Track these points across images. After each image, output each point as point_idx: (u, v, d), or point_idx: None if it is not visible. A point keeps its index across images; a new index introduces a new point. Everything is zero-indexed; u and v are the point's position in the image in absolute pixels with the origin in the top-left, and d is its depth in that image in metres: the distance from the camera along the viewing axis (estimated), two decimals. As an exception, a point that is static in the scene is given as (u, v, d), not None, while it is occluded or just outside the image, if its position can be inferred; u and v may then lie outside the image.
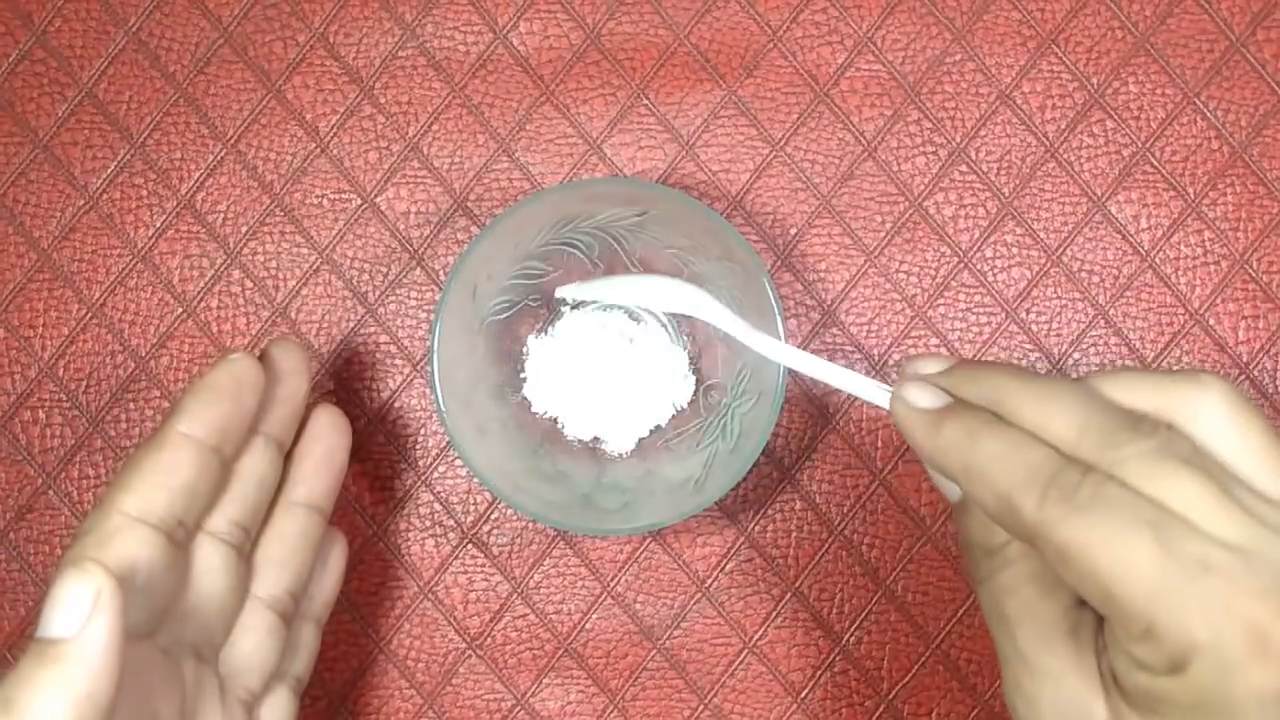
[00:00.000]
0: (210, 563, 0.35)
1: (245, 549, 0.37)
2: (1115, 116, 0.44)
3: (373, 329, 0.44)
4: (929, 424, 0.30)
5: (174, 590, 0.34)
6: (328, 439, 0.39)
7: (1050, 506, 0.26)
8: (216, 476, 0.35)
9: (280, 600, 0.37)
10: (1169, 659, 0.25)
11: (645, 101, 0.44)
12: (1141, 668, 0.26)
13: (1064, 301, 0.44)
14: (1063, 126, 0.44)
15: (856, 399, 0.44)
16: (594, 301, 0.42)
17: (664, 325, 0.44)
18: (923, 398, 0.30)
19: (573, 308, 0.43)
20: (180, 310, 0.44)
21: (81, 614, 0.29)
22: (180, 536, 0.34)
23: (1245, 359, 0.44)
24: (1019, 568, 0.30)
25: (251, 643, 0.37)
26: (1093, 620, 0.29)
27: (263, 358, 0.37)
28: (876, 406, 0.35)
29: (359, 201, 0.44)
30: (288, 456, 0.38)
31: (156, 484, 0.33)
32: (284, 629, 0.38)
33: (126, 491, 0.33)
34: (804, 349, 0.44)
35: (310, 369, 0.38)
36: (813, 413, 0.44)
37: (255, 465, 0.36)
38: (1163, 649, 0.25)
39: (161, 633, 0.34)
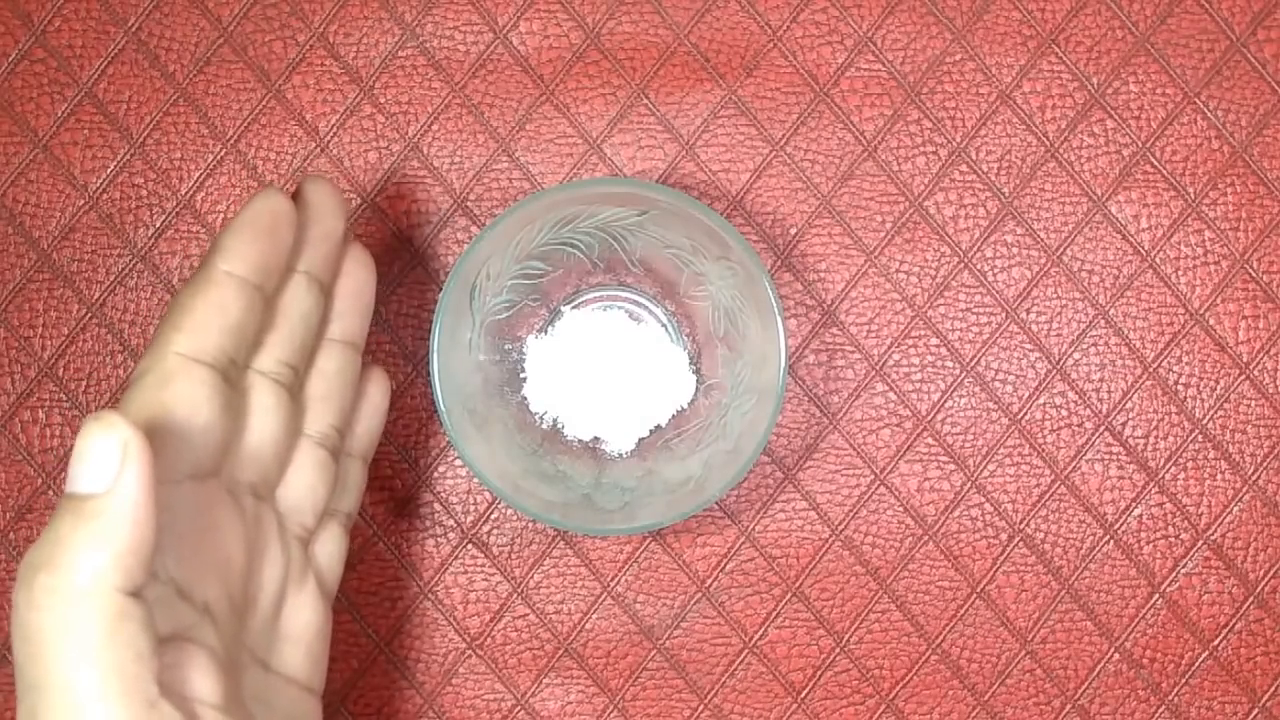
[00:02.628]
0: (264, 402, 0.35)
1: (295, 388, 0.36)
2: (1115, 116, 0.44)
3: (373, 328, 0.44)
4: None
5: (232, 429, 0.34)
6: (355, 275, 0.39)
7: None
8: (260, 314, 0.35)
9: (328, 436, 0.38)
10: None
11: (645, 101, 0.44)
12: None
13: (1064, 301, 0.44)
14: (1063, 126, 0.44)
15: (858, 396, 0.44)
16: (595, 301, 0.42)
17: (664, 325, 0.44)
18: None
19: (572, 307, 0.43)
20: (180, 310, 0.44)
21: (111, 467, 0.28)
22: (233, 375, 0.34)
23: (1245, 359, 0.44)
24: None
25: (305, 480, 0.37)
26: None
27: (296, 195, 0.37)
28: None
29: (359, 201, 0.44)
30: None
31: (207, 323, 0.33)
32: (333, 465, 0.38)
33: (179, 331, 0.33)
34: (804, 349, 0.44)
35: (346, 206, 0.38)
36: (813, 413, 0.44)
37: (299, 303, 0.36)
38: None
39: (222, 473, 0.34)
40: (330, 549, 0.38)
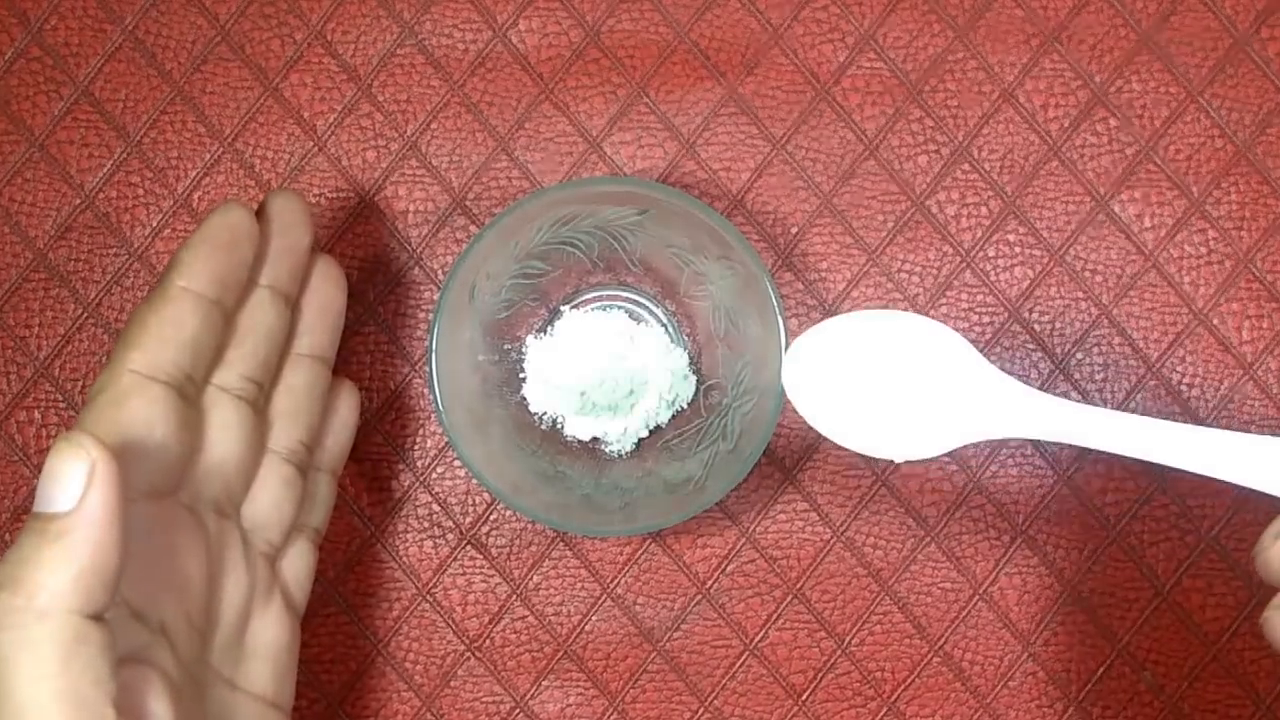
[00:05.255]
0: (225, 418, 0.35)
1: (259, 403, 0.36)
2: (1118, 115, 0.44)
3: (371, 329, 0.44)
4: None
5: (190, 446, 0.34)
6: (323, 289, 0.39)
7: None
8: (219, 329, 0.35)
9: (295, 452, 0.37)
10: None
11: (645, 100, 0.44)
12: None
13: (1067, 301, 0.44)
14: (1066, 125, 0.44)
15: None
16: (595, 301, 0.41)
17: (664, 325, 0.43)
18: None
19: (572, 307, 0.43)
20: (177, 310, 0.44)
21: (79, 486, 0.28)
22: (190, 392, 0.34)
23: (1249, 359, 0.44)
24: None
25: (270, 496, 0.37)
26: None
27: (260, 211, 0.37)
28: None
29: (357, 200, 0.44)
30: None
31: (163, 339, 0.33)
32: (301, 481, 0.38)
33: (134, 348, 0.33)
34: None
35: (312, 220, 0.38)
36: (814, 413, 0.44)
37: (263, 318, 0.36)
38: None
39: (183, 490, 0.34)
40: (298, 565, 0.38)
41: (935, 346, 0.34)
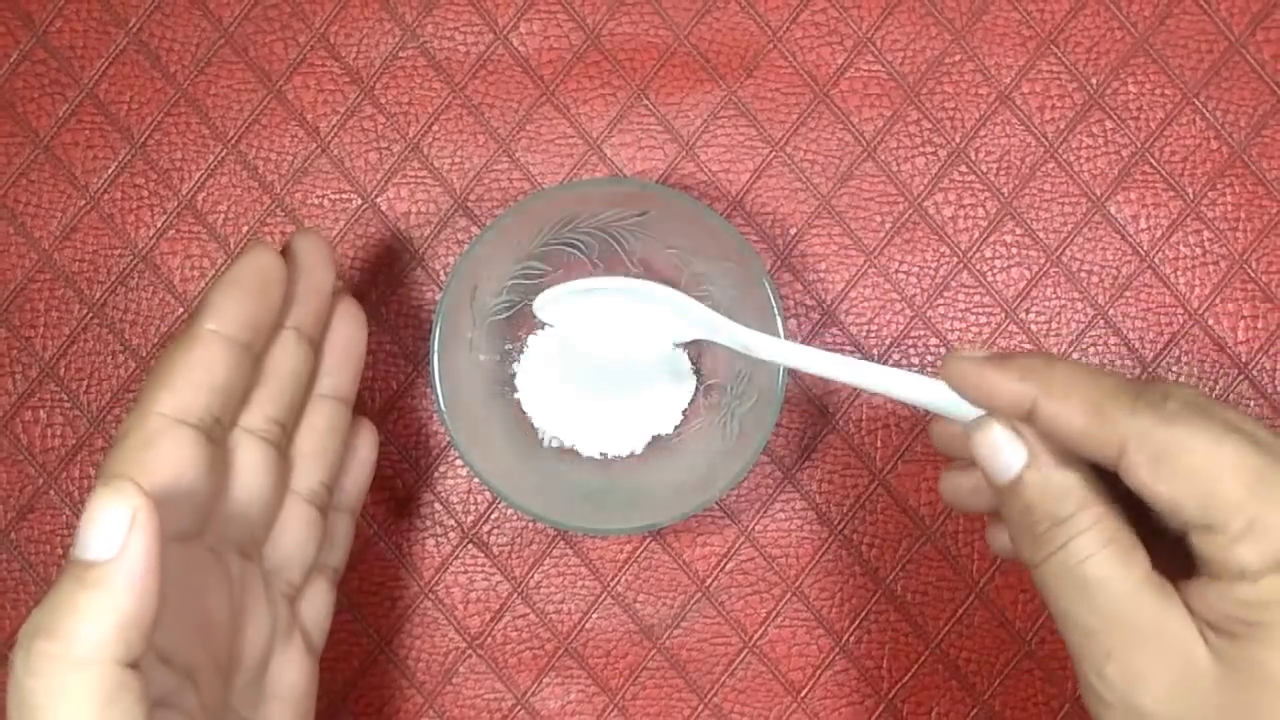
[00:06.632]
0: (250, 460, 0.35)
1: (283, 444, 0.36)
2: (1114, 117, 0.44)
3: (373, 329, 0.44)
4: (994, 363, 0.31)
5: (216, 490, 0.34)
6: (344, 329, 0.38)
7: (1144, 412, 0.28)
8: (248, 373, 0.34)
9: (316, 493, 0.37)
10: (1275, 551, 0.27)
11: (645, 102, 0.44)
12: (1242, 577, 0.27)
13: (1063, 301, 0.44)
14: (1062, 127, 0.44)
15: (858, 397, 0.44)
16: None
17: (664, 325, 0.44)
18: (977, 352, 0.31)
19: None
20: (181, 310, 0.44)
21: (119, 534, 0.28)
22: (218, 435, 0.34)
23: (1244, 359, 0.44)
24: (1095, 531, 0.30)
25: (292, 537, 0.37)
26: (1172, 577, 0.30)
27: (285, 251, 0.37)
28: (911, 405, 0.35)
29: (359, 202, 0.44)
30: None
31: (192, 383, 0.33)
32: (322, 521, 0.38)
33: (163, 390, 0.32)
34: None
35: (335, 262, 0.38)
36: (812, 412, 0.44)
37: (288, 360, 0.36)
38: (1269, 540, 0.27)
39: (208, 533, 0.34)
40: (317, 604, 0.38)
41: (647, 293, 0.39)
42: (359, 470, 0.40)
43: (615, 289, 0.39)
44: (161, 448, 0.32)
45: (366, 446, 0.40)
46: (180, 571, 0.32)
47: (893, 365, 0.44)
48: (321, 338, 0.38)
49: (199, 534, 0.33)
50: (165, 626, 0.30)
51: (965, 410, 0.32)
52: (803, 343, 0.43)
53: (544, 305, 0.39)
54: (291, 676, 0.36)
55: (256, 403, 0.35)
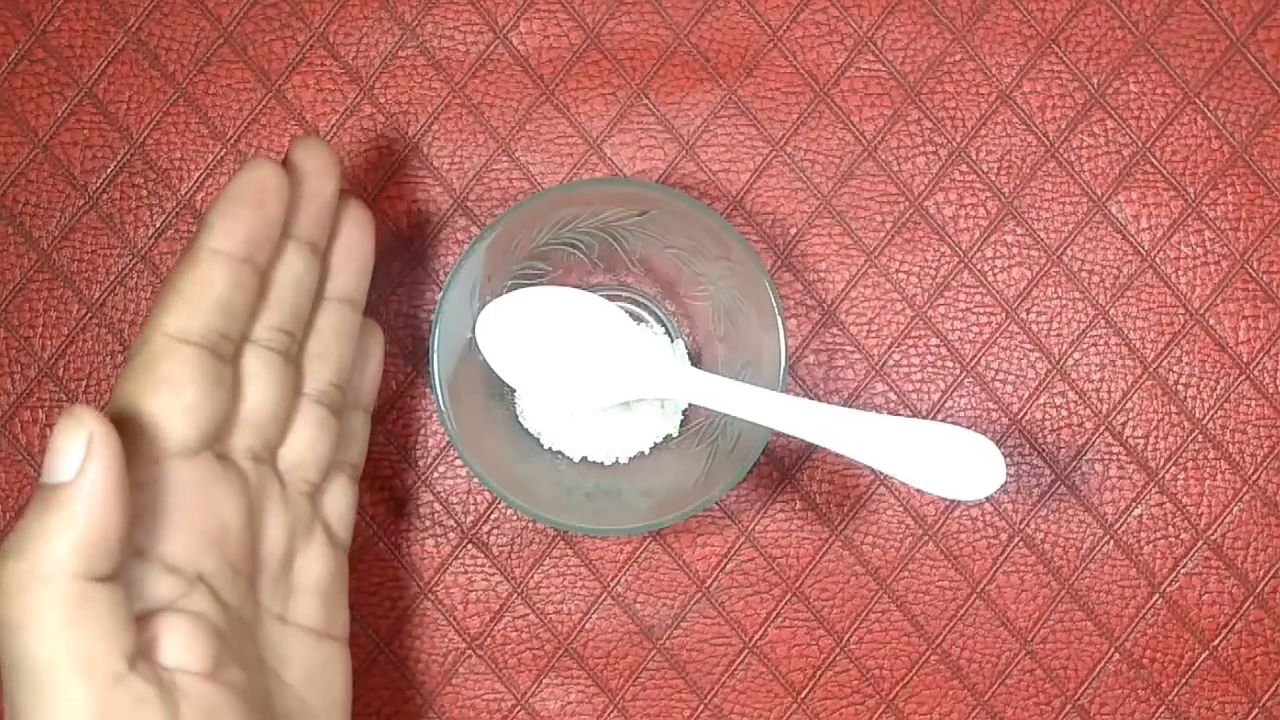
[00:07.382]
0: (258, 370, 0.36)
1: (291, 351, 0.37)
2: (1115, 116, 0.44)
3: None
4: None
5: (225, 403, 0.35)
6: (351, 233, 0.39)
7: None
8: (252, 287, 0.35)
9: (327, 393, 0.38)
10: None
11: (645, 101, 0.44)
12: None
13: (1064, 301, 0.44)
14: (1063, 126, 0.44)
15: (859, 397, 0.44)
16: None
17: (664, 325, 0.44)
18: None
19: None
20: (180, 310, 0.44)
21: (78, 457, 0.30)
22: (226, 350, 0.34)
23: (1245, 359, 0.44)
24: None
25: (305, 437, 0.37)
26: None
27: (285, 161, 0.37)
28: None
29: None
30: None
31: (192, 302, 0.34)
32: (335, 421, 0.38)
33: (164, 313, 0.33)
34: (804, 349, 0.44)
35: (338, 166, 0.37)
36: (813, 412, 0.44)
37: (291, 270, 0.36)
38: None
39: (218, 442, 0.35)
40: (339, 499, 0.39)
41: (598, 318, 0.40)
42: (370, 370, 0.41)
43: (570, 312, 0.40)
44: (161, 367, 0.33)
45: (375, 346, 0.41)
46: (187, 484, 0.33)
47: (892, 365, 0.44)
48: (327, 243, 0.38)
49: (208, 446, 0.34)
50: (171, 537, 0.33)
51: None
52: (803, 342, 0.43)
53: (484, 331, 0.40)
54: (318, 569, 0.38)
55: (262, 314, 0.36)
